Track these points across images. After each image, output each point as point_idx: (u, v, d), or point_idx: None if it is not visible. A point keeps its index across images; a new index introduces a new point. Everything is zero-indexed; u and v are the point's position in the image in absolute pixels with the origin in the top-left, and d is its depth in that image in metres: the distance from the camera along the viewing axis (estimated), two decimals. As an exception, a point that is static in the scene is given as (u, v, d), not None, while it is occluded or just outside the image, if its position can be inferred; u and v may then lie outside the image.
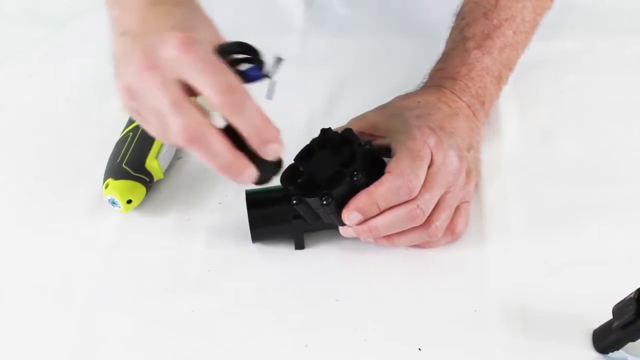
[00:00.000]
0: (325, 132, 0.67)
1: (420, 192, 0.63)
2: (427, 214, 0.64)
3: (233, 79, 0.53)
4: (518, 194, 0.72)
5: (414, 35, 0.91)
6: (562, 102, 0.82)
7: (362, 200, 0.63)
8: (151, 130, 0.57)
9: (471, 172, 0.69)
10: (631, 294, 0.56)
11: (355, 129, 0.66)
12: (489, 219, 0.70)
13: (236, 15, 0.92)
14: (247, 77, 0.56)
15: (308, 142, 0.67)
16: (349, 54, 0.91)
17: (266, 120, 0.55)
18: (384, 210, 0.63)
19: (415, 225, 0.64)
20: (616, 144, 0.77)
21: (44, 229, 0.72)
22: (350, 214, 0.63)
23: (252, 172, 0.56)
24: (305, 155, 0.67)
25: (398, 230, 0.65)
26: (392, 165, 0.63)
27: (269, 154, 0.55)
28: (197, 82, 0.52)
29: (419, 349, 0.61)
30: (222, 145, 0.54)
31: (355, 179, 0.62)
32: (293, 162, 0.66)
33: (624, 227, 0.69)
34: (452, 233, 0.67)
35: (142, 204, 0.74)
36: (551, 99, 0.83)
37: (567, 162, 0.75)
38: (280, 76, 0.86)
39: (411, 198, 0.63)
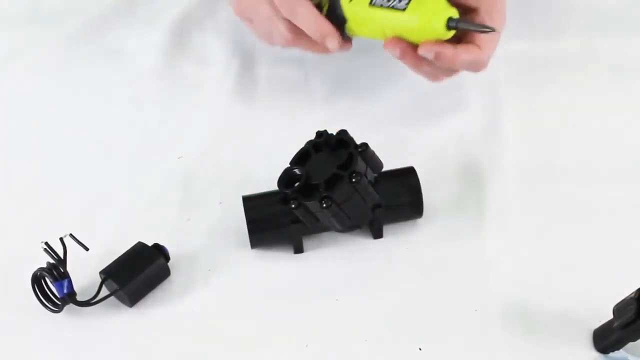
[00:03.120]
0: (320, 134, 0.67)
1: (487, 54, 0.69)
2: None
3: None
4: (518, 194, 0.72)
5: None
6: (562, 102, 0.82)
7: (447, 52, 0.67)
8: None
9: None
10: (631, 293, 0.56)
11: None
12: (489, 219, 0.70)
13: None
14: None
15: (303, 145, 0.67)
16: (350, 53, 0.91)
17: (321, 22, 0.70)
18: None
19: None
20: (616, 144, 0.77)
21: (45, 229, 0.72)
22: (428, 51, 0.67)
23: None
24: (301, 158, 0.67)
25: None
26: (484, 44, 0.68)
27: (329, 46, 0.71)
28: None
29: (419, 349, 0.61)
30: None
31: (354, 180, 0.62)
32: (289, 165, 0.66)
33: (624, 227, 0.69)
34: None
35: (141, 204, 0.74)
36: (551, 98, 0.83)
37: (567, 162, 0.75)
38: (281, 76, 0.87)
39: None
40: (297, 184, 0.64)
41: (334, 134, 0.67)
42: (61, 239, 0.64)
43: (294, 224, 0.67)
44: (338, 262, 0.68)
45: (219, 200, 0.74)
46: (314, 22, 0.70)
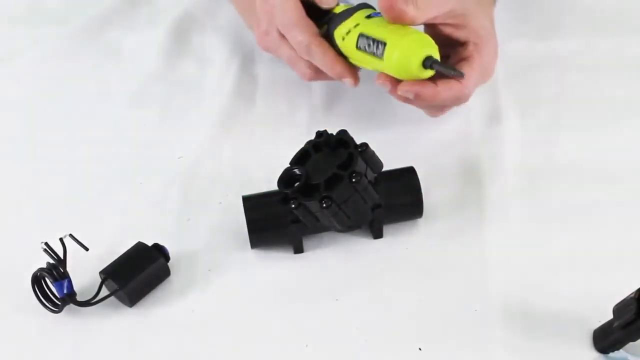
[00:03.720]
0: (320, 134, 0.67)
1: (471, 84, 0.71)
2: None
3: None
4: (518, 194, 0.72)
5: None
6: (562, 101, 0.82)
7: (426, 92, 0.68)
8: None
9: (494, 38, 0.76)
10: (631, 293, 0.56)
11: (431, 16, 0.70)
12: (490, 219, 0.70)
13: (236, 15, 0.92)
14: None
15: (303, 145, 0.67)
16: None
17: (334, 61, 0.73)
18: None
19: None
20: (616, 144, 0.77)
21: (45, 229, 0.72)
22: (407, 92, 0.68)
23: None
24: (301, 158, 0.67)
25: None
26: (467, 73, 0.69)
27: (346, 84, 0.74)
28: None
29: (419, 349, 0.61)
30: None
31: (354, 180, 0.62)
32: (289, 165, 0.66)
33: (624, 226, 0.69)
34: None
35: (141, 204, 0.74)
36: (551, 98, 0.83)
37: (567, 162, 0.75)
38: (281, 76, 0.87)
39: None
40: (297, 184, 0.64)
41: (334, 134, 0.67)
42: (61, 239, 0.64)
43: (294, 224, 0.67)
44: (338, 262, 0.68)
45: (219, 200, 0.74)
46: (330, 63, 0.73)
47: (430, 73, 0.67)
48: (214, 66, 0.90)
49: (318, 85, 0.86)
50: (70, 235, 0.65)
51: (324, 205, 0.62)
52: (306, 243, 0.69)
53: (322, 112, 0.83)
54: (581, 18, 0.91)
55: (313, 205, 0.63)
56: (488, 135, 0.78)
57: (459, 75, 0.67)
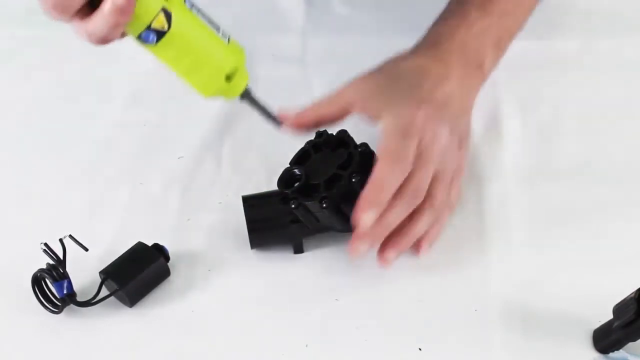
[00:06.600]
0: (320, 134, 0.67)
1: (415, 169, 0.63)
2: (424, 191, 0.64)
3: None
4: (518, 194, 0.72)
5: (414, 35, 0.91)
6: (562, 102, 0.82)
7: (371, 193, 0.62)
8: None
9: (463, 141, 0.69)
10: (631, 294, 0.56)
11: (326, 111, 0.67)
12: (490, 219, 0.70)
13: (236, 15, 0.92)
14: None
15: (303, 145, 0.67)
16: (349, 54, 0.91)
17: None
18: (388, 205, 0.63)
19: (417, 204, 0.64)
20: (616, 144, 0.77)
21: (45, 229, 0.72)
22: (366, 215, 0.61)
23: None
24: (301, 158, 0.67)
25: (406, 215, 0.64)
26: (383, 146, 0.63)
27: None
28: None
29: (419, 349, 0.61)
30: None
31: (353, 180, 0.62)
32: (289, 165, 0.66)
33: (624, 227, 0.69)
34: (448, 206, 0.68)
35: (141, 204, 0.74)
36: (551, 98, 0.83)
37: (567, 162, 0.75)
38: (281, 76, 0.87)
39: (407, 174, 0.63)
40: (297, 184, 0.64)
41: (334, 134, 0.67)
42: (60, 240, 0.64)
43: (293, 224, 0.67)
44: (338, 262, 0.68)
45: (218, 200, 0.74)
46: None
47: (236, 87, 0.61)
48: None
49: (318, 85, 0.86)
50: (70, 235, 0.65)
51: (324, 205, 0.62)
52: (306, 243, 0.69)
53: (322, 112, 0.83)
54: (581, 18, 0.91)
55: (313, 205, 0.63)
56: (488, 135, 0.78)
57: (276, 126, 0.63)
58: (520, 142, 0.78)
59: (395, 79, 0.69)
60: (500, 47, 0.75)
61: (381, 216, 0.63)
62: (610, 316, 0.58)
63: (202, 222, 0.72)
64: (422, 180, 0.64)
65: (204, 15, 0.57)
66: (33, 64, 0.94)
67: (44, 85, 0.91)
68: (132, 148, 0.81)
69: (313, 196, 0.63)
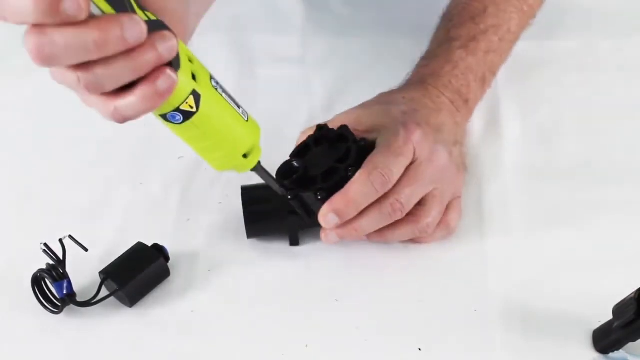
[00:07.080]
0: (321, 128, 0.67)
1: (399, 185, 0.63)
2: (407, 208, 0.64)
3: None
4: (518, 194, 0.72)
5: (414, 35, 0.91)
6: (562, 102, 0.82)
7: (336, 201, 0.63)
8: None
9: (460, 167, 0.69)
10: (631, 294, 0.56)
11: (338, 123, 0.66)
12: (489, 219, 0.70)
13: (236, 15, 0.92)
14: None
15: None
16: (349, 54, 0.91)
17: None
18: (364, 210, 0.63)
19: (396, 219, 0.64)
20: (616, 144, 0.77)
21: (45, 229, 0.72)
22: (326, 216, 0.63)
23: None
24: (301, 151, 0.67)
25: (383, 226, 0.65)
26: (369, 159, 0.63)
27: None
28: None
29: (419, 349, 0.61)
30: None
31: (349, 174, 0.63)
32: (289, 158, 0.66)
33: (624, 226, 0.69)
34: (447, 228, 0.68)
35: (141, 204, 0.74)
36: (551, 98, 0.83)
37: (567, 162, 0.75)
38: (281, 76, 0.87)
39: (386, 191, 0.63)
40: (294, 176, 0.64)
41: (335, 129, 0.67)
42: (60, 240, 0.64)
43: (290, 216, 0.67)
44: (338, 262, 0.68)
45: (218, 200, 0.74)
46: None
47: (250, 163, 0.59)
48: (213, 66, 0.89)
49: (318, 85, 0.86)
50: (70, 236, 0.65)
51: (319, 197, 0.62)
52: (303, 236, 0.69)
53: (322, 112, 0.83)
54: (581, 18, 0.91)
55: (308, 197, 0.63)
56: (488, 135, 0.78)
57: (283, 194, 0.63)
58: (520, 142, 0.78)
59: (390, 105, 0.69)
60: (485, 82, 0.76)
61: (353, 219, 0.64)
62: (610, 316, 0.58)
63: (202, 222, 0.72)
64: (406, 197, 0.64)
65: (227, 93, 0.55)
66: (33, 64, 0.93)
67: (44, 86, 0.90)
68: (132, 148, 0.81)
69: (310, 188, 0.63)
